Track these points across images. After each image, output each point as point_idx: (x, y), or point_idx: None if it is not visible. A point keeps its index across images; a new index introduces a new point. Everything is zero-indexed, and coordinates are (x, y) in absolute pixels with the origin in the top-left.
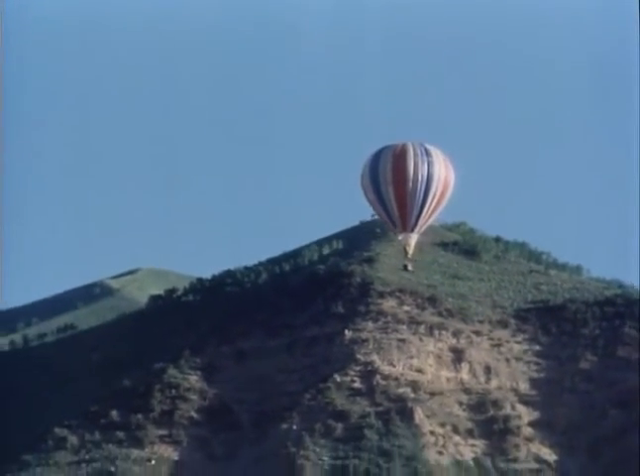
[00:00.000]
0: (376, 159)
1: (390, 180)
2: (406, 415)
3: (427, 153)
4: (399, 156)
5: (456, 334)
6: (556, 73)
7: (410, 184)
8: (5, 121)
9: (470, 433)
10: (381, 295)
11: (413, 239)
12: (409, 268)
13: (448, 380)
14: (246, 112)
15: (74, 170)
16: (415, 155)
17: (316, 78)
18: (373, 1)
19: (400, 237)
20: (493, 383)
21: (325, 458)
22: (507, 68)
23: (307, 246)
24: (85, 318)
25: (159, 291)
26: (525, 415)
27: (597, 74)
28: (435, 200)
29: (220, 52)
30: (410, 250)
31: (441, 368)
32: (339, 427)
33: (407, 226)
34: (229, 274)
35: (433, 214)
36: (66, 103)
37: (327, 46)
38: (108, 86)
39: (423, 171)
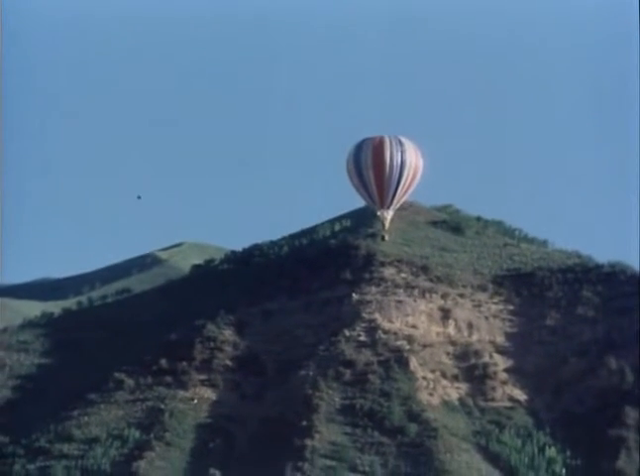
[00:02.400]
0: (359, 149)
1: (371, 166)
2: (403, 363)
3: (401, 143)
4: (378, 146)
5: (444, 297)
6: (547, 71)
7: (387, 170)
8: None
9: (455, 378)
10: (383, 264)
11: (389, 215)
12: (386, 238)
13: (437, 334)
14: (268, 104)
15: (123, 161)
16: (391, 145)
17: (324, 73)
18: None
19: (379, 213)
20: (475, 336)
21: (336, 399)
22: (498, 65)
23: (321, 224)
24: (139, 283)
25: (199, 261)
26: (501, 362)
27: (584, 68)
28: (407, 183)
29: (218, 47)
30: (387, 223)
31: (431, 324)
32: (347, 373)
33: (384, 204)
34: (257, 247)
35: (405, 194)
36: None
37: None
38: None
39: (397, 158)
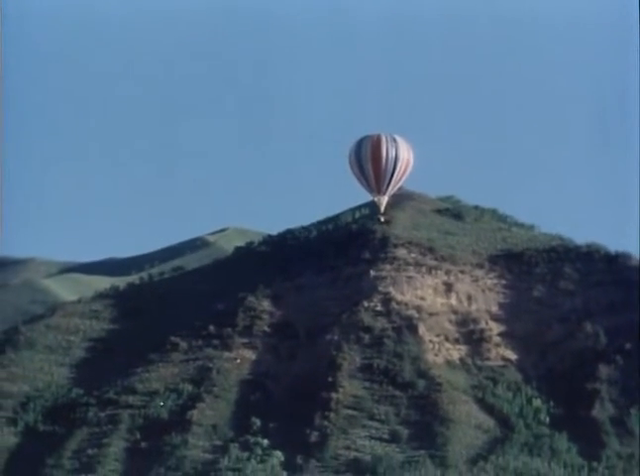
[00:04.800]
0: (359, 145)
1: (369, 159)
2: (413, 329)
3: (395, 140)
4: (375, 142)
5: (447, 273)
6: (546, 72)
7: (383, 162)
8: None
9: (456, 341)
10: (396, 245)
11: (384, 200)
12: (382, 220)
13: (442, 305)
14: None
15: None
16: (387, 142)
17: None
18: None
19: (375, 198)
20: (473, 306)
21: (356, 359)
22: (496, 66)
23: (344, 212)
24: (191, 262)
25: (241, 243)
26: (495, 328)
27: (582, 66)
28: (400, 174)
29: (217, 45)
30: (382, 207)
31: (437, 296)
32: (366, 338)
33: (381, 191)
34: (289, 231)
35: (398, 183)
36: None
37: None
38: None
39: (392, 153)
